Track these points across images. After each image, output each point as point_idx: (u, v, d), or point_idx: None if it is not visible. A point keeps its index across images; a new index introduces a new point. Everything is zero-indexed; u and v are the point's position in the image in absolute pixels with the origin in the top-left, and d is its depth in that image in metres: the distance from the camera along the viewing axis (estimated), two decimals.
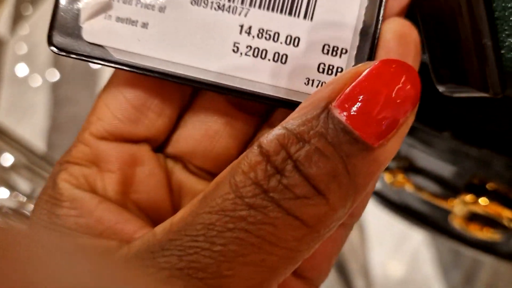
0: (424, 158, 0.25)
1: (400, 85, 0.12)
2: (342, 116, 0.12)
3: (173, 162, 0.17)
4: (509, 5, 0.14)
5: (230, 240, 0.12)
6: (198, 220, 0.13)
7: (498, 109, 0.20)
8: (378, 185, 0.34)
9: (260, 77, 0.15)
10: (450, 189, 0.26)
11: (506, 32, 0.14)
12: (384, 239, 0.58)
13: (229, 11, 0.15)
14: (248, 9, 0.15)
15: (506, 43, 0.14)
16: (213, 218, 0.12)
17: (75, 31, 0.15)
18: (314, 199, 0.12)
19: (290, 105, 0.15)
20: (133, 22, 0.15)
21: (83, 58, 0.16)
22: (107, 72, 0.54)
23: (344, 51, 0.15)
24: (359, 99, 0.12)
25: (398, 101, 0.12)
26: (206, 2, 0.15)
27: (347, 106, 0.12)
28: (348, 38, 0.15)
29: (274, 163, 0.12)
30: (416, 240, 0.53)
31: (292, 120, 0.13)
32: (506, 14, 0.14)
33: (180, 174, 0.17)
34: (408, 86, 0.12)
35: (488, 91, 0.15)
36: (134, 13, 0.15)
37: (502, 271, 0.52)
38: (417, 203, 0.31)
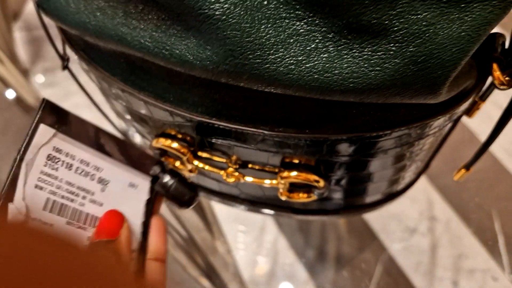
0: (248, 153, 0.31)
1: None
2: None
3: None
4: None
5: None
6: None
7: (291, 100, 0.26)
8: (222, 187, 0.39)
9: None
10: (272, 172, 0.32)
11: None
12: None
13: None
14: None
15: None
16: None
17: None
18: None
19: None
20: None
21: None
22: None
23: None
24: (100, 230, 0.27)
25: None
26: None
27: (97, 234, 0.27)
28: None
29: None
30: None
31: None
32: None
33: None
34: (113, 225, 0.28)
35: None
36: None
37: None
38: (256, 190, 0.37)
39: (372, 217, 0.71)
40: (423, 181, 0.75)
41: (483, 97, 0.31)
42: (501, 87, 0.27)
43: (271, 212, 0.38)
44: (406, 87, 0.22)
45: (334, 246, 0.69)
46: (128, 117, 0.33)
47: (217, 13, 0.21)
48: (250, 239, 0.65)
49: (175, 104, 0.27)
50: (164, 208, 0.50)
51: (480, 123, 0.80)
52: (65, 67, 0.32)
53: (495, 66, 0.27)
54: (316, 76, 0.22)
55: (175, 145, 0.31)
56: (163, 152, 0.33)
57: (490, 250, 0.69)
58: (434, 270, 0.67)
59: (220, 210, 0.66)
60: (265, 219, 0.67)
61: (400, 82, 0.22)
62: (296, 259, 0.66)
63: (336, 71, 0.22)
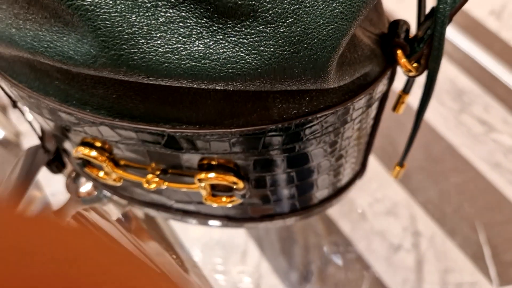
0: (164, 156, 0.30)
1: None
2: None
3: None
4: None
5: None
6: None
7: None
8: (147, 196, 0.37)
9: None
10: (191, 175, 0.31)
11: None
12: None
13: None
14: None
15: None
16: None
17: None
18: None
19: None
20: None
21: None
22: None
23: None
24: None
25: None
26: None
27: None
28: None
29: None
30: None
31: None
32: None
33: None
34: None
35: None
36: None
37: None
38: (185, 197, 0.35)
39: (355, 236, 0.70)
40: (404, 196, 0.73)
41: (406, 90, 0.31)
42: (410, 74, 0.27)
43: (213, 222, 0.37)
44: (287, 71, 0.21)
45: (318, 268, 0.67)
46: (47, 127, 0.32)
47: (85, 3, 0.21)
48: (232, 264, 0.64)
49: (78, 107, 0.27)
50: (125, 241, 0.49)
51: (457, 134, 0.79)
52: (15, 105, 0.33)
53: (399, 52, 0.26)
54: (193, 63, 0.21)
55: (93, 153, 0.31)
56: (85, 162, 0.33)
57: (476, 263, 0.67)
58: (421, 286, 0.65)
59: (196, 235, 0.65)
60: (247, 242, 0.66)
61: (279, 66, 0.21)
62: (280, 282, 0.64)
63: (213, 57, 0.21)
